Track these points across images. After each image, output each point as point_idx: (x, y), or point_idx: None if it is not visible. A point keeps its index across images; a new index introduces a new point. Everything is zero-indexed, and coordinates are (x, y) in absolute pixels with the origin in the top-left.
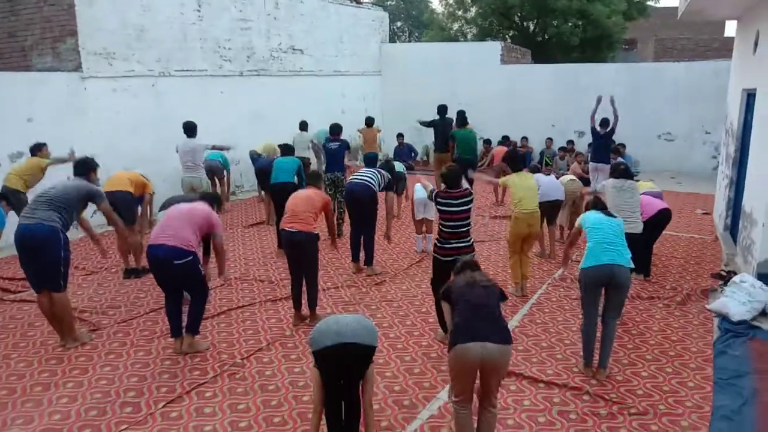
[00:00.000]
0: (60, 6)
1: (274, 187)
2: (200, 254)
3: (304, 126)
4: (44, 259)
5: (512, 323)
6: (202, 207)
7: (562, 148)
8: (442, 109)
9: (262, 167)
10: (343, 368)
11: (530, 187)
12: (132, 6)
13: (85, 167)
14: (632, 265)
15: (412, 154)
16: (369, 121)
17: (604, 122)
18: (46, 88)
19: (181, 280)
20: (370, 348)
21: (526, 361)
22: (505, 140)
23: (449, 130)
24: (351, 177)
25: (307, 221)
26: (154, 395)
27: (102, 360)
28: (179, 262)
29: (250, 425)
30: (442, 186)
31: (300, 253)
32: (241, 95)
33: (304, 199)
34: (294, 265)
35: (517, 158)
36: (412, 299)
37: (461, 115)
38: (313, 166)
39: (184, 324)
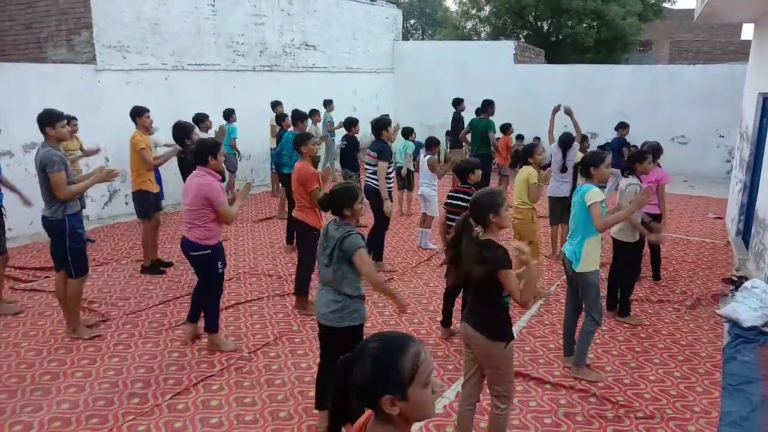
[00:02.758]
0: None
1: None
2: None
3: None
4: (54, 246)
5: (520, 324)
6: (198, 183)
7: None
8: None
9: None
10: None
11: (519, 181)
12: (147, 0)
13: (39, 123)
14: (573, 261)
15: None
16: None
17: (622, 124)
18: (60, 80)
19: (197, 271)
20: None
21: (532, 362)
22: (506, 129)
23: (458, 124)
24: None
25: (302, 209)
26: (161, 387)
27: (110, 351)
28: (193, 253)
29: (256, 419)
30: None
31: (298, 241)
32: (254, 90)
33: (294, 185)
34: (298, 252)
35: (523, 154)
36: (420, 297)
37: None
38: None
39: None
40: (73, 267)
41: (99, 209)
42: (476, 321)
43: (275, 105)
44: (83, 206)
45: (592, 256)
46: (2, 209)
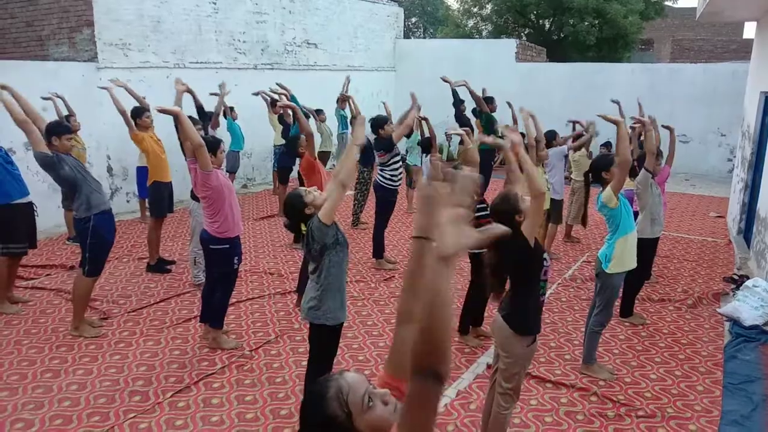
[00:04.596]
0: None
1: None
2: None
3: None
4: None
5: None
6: (194, 175)
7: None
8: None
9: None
10: None
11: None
12: None
13: (47, 132)
14: (604, 262)
15: None
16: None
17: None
18: (61, 78)
19: (211, 266)
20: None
21: (533, 361)
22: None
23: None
24: None
25: None
26: (163, 385)
27: (111, 348)
28: (213, 247)
29: (257, 417)
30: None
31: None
32: (255, 88)
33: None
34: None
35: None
36: None
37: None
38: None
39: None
40: (89, 263)
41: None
42: (506, 312)
43: (275, 104)
44: None
45: (623, 258)
46: (33, 204)
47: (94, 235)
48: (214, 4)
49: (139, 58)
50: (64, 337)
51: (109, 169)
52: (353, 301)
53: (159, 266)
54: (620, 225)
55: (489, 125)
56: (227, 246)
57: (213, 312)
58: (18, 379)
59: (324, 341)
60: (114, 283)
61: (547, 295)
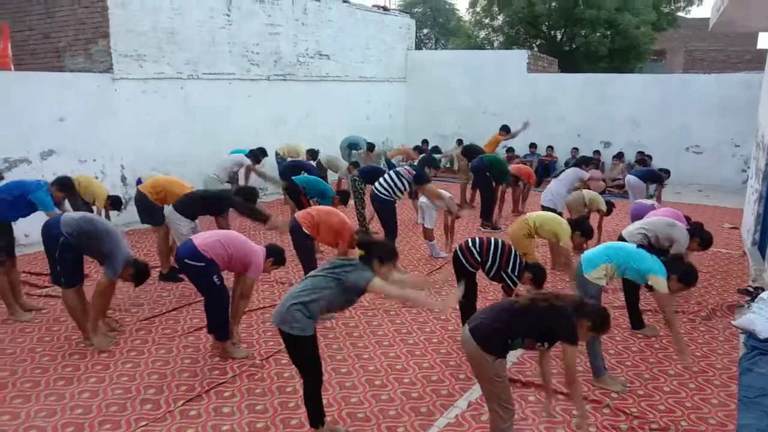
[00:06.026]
0: (93, 8)
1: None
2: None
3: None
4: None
5: None
6: (250, 248)
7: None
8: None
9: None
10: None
11: None
12: (163, 9)
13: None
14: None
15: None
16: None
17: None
18: (77, 89)
19: (194, 282)
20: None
21: None
22: (509, 153)
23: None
24: None
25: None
26: (174, 393)
27: (123, 357)
28: (189, 262)
29: (267, 426)
30: None
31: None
32: (268, 99)
33: (327, 211)
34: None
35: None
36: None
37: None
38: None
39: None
40: (63, 276)
41: (113, 216)
42: (474, 324)
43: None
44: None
45: (599, 276)
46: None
47: (64, 249)
48: (228, 15)
49: (153, 69)
50: (76, 345)
51: (123, 179)
52: (363, 311)
53: (171, 275)
54: (624, 264)
55: (502, 175)
56: (203, 264)
57: (215, 327)
58: (31, 386)
59: (300, 351)
60: (126, 292)
61: (518, 354)
